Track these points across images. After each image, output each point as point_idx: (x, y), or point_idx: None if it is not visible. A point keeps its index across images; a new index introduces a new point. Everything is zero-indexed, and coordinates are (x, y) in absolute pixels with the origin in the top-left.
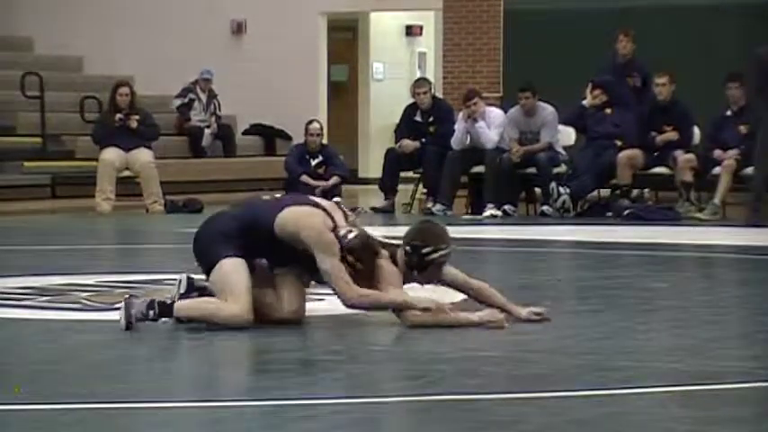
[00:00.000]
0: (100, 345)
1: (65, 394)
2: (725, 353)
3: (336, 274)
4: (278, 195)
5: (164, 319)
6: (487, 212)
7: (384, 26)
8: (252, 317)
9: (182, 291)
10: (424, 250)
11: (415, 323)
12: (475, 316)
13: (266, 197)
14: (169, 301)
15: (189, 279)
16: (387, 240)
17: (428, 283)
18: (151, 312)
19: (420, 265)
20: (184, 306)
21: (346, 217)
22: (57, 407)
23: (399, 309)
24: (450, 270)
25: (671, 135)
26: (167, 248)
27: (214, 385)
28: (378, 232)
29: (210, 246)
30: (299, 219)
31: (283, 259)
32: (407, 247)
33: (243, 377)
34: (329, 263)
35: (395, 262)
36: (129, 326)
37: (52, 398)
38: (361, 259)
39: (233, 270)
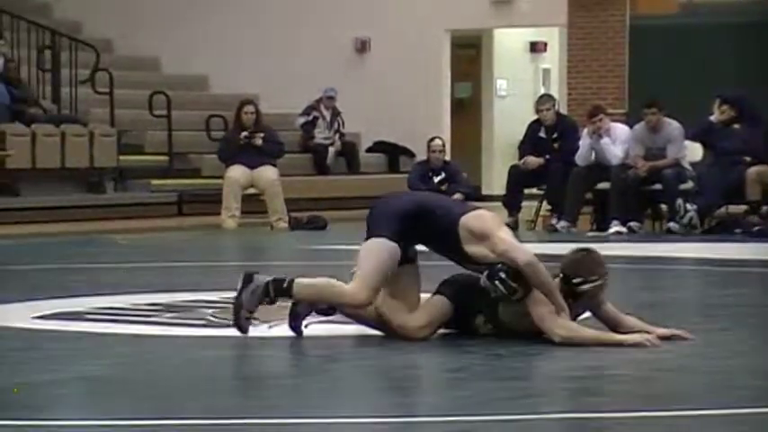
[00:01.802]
0: (226, 360)
1: (188, 409)
2: None
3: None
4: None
5: (280, 300)
6: (613, 229)
7: (508, 43)
8: (371, 306)
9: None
10: (575, 281)
11: (567, 339)
12: (630, 338)
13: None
14: (285, 284)
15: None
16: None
17: (584, 312)
18: (266, 299)
19: (572, 295)
20: (304, 285)
21: None
22: (180, 422)
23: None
24: (606, 306)
25: None
26: (291, 265)
27: (337, 402)
28: None
29: (378, 219)
30: (493, 223)
31: (444, 250)
32: (561, 275)
33: (357, 394)
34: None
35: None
36: (242, 330)
37: (175, 413)
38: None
39: (379, 253)
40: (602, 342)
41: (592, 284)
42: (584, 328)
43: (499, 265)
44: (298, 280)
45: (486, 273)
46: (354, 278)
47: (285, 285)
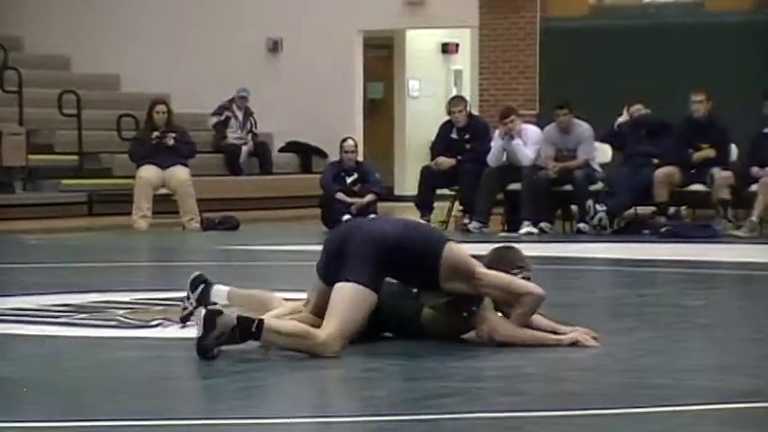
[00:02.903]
0: (136, 361)
1: (100, 411)
2: (764, 371)
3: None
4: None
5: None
6: (524, 230)
7: (420, 44)
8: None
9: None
10: None
11: (508, 339)
12: (566, 337)
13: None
14: (254, 327)
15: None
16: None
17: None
18: (233, 343)
19: None
20: (273, 332)
21: None
22: (91, 423)
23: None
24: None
25: (708, 152)
26: (204, 266)
27: (249, 403)
28: None
29: (355, 258)
30: (467, 256)
31: (417, 283)
32: None
33: (277, 395)
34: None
35: None
36: (212, 355)
37: (87, 414)
38: None
39: (360, 304)
40: (541, 342)
41: (515, 276)
42: (523, 329)
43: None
44: (267, 323)
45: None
46: (329, 323)
47: (254, 329)
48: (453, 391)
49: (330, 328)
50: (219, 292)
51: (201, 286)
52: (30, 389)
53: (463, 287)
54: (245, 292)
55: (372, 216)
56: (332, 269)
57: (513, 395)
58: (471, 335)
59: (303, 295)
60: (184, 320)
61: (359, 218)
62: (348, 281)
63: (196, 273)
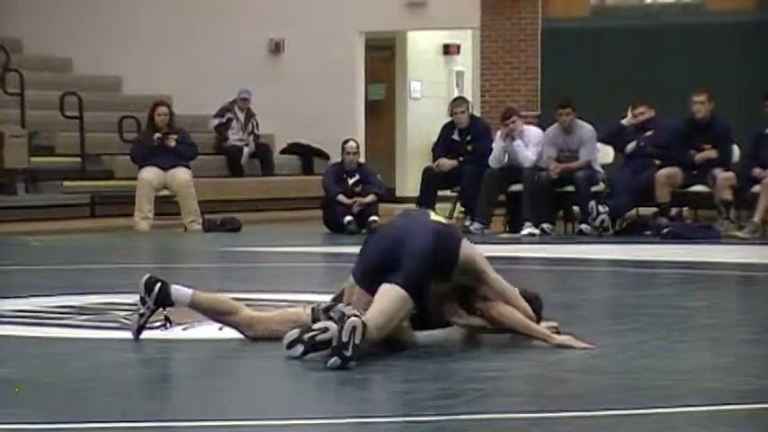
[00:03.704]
0: (137, 363)
1: (102, 412)
2: (764, 371)
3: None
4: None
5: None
6: (525, 231)
7: (421, 45)
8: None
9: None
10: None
11: (498, 317)
12: (558, 337)
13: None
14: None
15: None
16: None
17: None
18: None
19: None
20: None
21: None
22: (92, 425)
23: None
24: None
25: (710, 153)
26: (205, 267)
27: (245, 405)
28: None
29: (402, 268)
30: (473, 247)
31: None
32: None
33: (278, 396)
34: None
35: None
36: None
37: (88, 416)
38: None
39: (402, 307)
40: (530, 331)
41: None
42: (518, 315)
43: None
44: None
45: None
46: (371, 316)
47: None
48: (454, 393)
49: (372, 322)
50: (181, 295)
51: (158, 286)
52: (30, 390)
53: (469, 280)
54: (210, 296)
55: (398, 216)
56: (375, 277)
57: (514, 396)
58: (461, 320)
59: (303, 297)
60: (141, 328)
61: (392, 224)
62: (396, 284)
63: (147, 275)
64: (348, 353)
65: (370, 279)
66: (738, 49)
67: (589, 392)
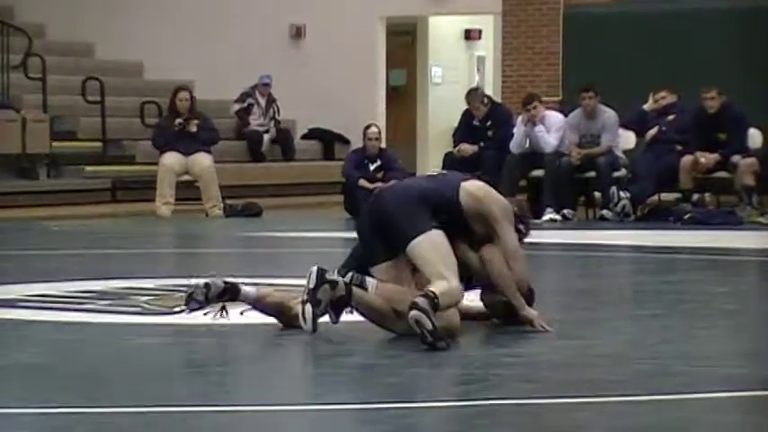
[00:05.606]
0: (159, 348)
1: (123, 397)
2: None
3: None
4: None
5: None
6: (546, 216)
7: (443, 30)
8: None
9: (311, 285)
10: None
11: (495, 274)
12: (532, 313)
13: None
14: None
15: (320, 271)
16: None
17: None
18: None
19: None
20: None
21: None
22: (115, 410)
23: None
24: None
25: (710, 160)
26: (226, 252)
27: (270, 390)
28: None
29: (412, 217)
30: (487, 191)
31: (455, 231)
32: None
33: (299, 382)
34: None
35: None
36: (315, 328)
37: (110, 401)
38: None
39: (442, 244)
40: (506, 288)
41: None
42: (512, 280)
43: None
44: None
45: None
46: (440, 277)
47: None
48: (473, 379)
49: (445, 280)
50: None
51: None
52: (51, 375)
53: (484, 229)
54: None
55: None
56: (381, 246)
57: (533, 382)
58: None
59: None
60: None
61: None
62: (417, 236)
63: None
64: (429, 339)
65: (387, 246)
66: (765, 33)
67: (611, 378)
